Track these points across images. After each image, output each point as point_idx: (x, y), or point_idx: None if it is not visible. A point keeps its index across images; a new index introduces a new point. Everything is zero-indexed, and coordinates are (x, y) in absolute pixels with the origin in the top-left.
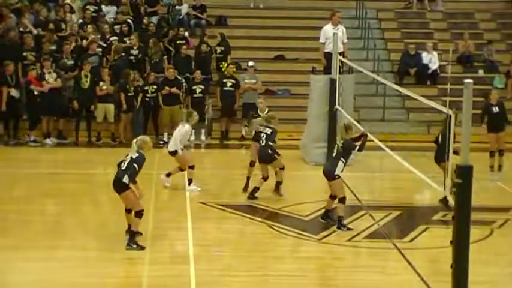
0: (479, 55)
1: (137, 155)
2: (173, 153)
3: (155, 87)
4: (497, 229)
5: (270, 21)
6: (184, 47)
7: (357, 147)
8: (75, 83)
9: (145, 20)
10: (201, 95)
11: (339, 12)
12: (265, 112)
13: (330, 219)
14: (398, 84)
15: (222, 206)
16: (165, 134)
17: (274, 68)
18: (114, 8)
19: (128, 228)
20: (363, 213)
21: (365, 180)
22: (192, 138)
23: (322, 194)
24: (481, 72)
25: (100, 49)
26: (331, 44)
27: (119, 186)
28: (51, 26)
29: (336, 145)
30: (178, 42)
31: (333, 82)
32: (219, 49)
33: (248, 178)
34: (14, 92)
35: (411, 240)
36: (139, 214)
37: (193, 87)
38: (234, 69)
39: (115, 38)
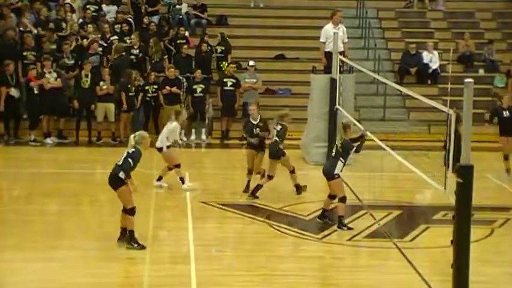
0: (479, 54)
1: (133, 150)
2: (159, 149)
3: (156, 86)
4: (498, 228)
5: (270, 21)
6: (185, 46)
7: (355, 148)
8: (76, 82)
9: (145, 20)
10: (201, 94)
11: (339, 12)
12: (258, 120)
13: (327, 219)
14: (398, 84)
15: (223, 205)
16: None
17: (274, 67)
18: (115, 8)
19: (120, 235)
20: (364, 212)
21: (365, 180)
22: (193, 137)
23: (323, 194)
24: (481, 72)
25: (100, 49)
26: (331, 43)
27: (115, 182)
28: (51, 25)
29: (335, 145)
30: (178, 41)
31: (333, 81)
32: (219, 48)
33: (249, 181)
34: (14, 92)
35: (412, 240)
36: (131, 211)
37: (194, 87)
38: (235, 69)
39: (115, 37)
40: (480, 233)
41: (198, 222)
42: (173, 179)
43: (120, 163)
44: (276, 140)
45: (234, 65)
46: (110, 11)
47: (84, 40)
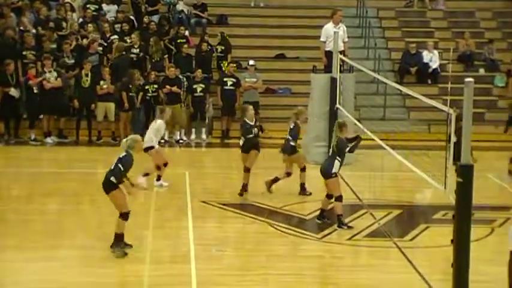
0: (480, 54)
1: (124, 154)
2: (147, 149)
3: (156, 86)
4: (498, 228)
5: (270, 20)
6: (185, 45)
7: (349, 148)
8: (76, 81)
9: (146, 19)
10: (201, 94)
11: (340, 11)
12: (254, 122)
13: (326, 219)
14: (399, 83)
15: (223, 205)
16: (166, 133)
17: (274, 66)
18: (115, 7)
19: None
20: (364, 212)
21: (366, 179)
22: (193, 137)
23: (323, 194)
24: (481, 71)
25: (100, 48)
26: (332, 42)
27: (107, 186)
28: (51, 24)
29: (332, 144)
30: (179, 41)
31: (333, 81)
32: (219, 48)
33: (245, 184)
34: (14, 92)
35: (412, 239)
36: (125, 216)
37: (194, 86)
38: (235, 68)
39: (116, 36)
40: (480, 232)
41: (198, 221)
42: (176, 180)
43: (112, 167)
44: (288, 138)
45: (234, 65)
46: (110, 10)
47: (84, 39)
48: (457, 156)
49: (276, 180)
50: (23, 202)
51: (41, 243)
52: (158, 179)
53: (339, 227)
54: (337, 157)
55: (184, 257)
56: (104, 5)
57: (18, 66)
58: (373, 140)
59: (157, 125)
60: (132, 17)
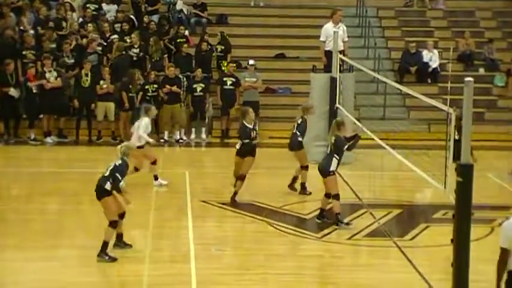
0: (479, 53)
1: (120, 162)
2: (139, 148)
3: (156, 86)
4: (498, 227)
5: (270, 20)
6: (185, 45)
7: (347, 146)
8: (76, 81)
9: (145, 19)
10: (201, 93)
11: (339, 11)
12: (253, 125)
13: (325, 219)
14: (398, 83)
15: (223, 204)
16: (166, 132)
17: (274, 66)
18: (115, 7)
19: (116, 238)
20: (364, 211)
21: (366, 179)
22: (193, 136)
23: (323, 193)
24: (481, 71)
25: (100, 48)
26: (331, 42)
27: (100, 193)
28: (51, 24)
29: (330, 142)
30: (178, 40)
31: (333, 80)
32: (219, 47)
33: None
34: (14, 92)
35: (412, 239)
36: (113, 224)
37: (194, 86)
38: (234, 68)
39: (116, 36)
40: (480, 231)
41: (198, 221)
42: (176, 179)
43: (106, 174)
44: (296, 133)
45: (234, 64)
46: (110, 10)
47: (84, 39)
48: (457, 156)
49: (295, 179)
50: (23, 202)
51: (41, 243)
52: (156, 178)
53: (337, 225)
54: (335, 155)
55: (184, 257)
56: (103, 5)
57: (18, 66)
58: (373, 139)
59: (144, 122)
60: (132, 17)
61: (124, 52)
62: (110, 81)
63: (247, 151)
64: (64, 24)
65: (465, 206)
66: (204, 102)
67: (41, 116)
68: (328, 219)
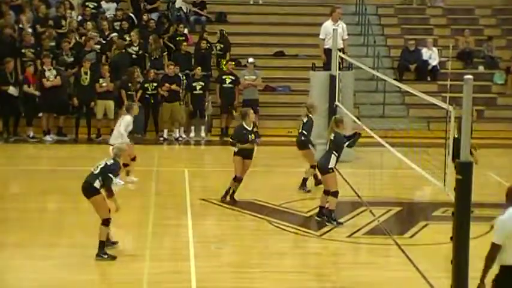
0: (479, 51)
1: (112, 161)
2: None
3: (155, 84)
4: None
5: (269, 18)
6: (184, 43)
7: (348, 143)
8: (75, 79)
9: (145, 17)
10: (201, 91)
11: (339, 9)
12: (252, 127)
13: (325, 217)
14: (398, 81)
15: (222, 202)
16: (165, 131)
17: (274, 64)
18: (114, 5)
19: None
20: (363, 209)
21: (365, 177)
22: (192, 134)
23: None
24: (481, 69)
25: (98, 46)
26: (331, 40)
27: (89, 191)
28: (50, 22)
29: (329, 139)
30: (178, 38)
31: (332, 78)
32: (218, 46)
33: (232, 191)
34: (13, 90)
35: (411, 237)
36: (106, 222)
37: (193, 84)
38: (233, 66)
39: (115, 34)
40: (480, 229)
41: (198, 219)
42: (176, 177)
43: (96, 172)
44: (301, 132)
45: (233, 62)
46: (109, 8)
47: (83, 37)
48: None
49: (305, 180)
50: (23, 200)
51: (41, 241)
52: (128, 174)
53: (328, 222)
54: (334, 152)
55: (184, 255)
56: (103, 3)
57: (18, 64)
58: (372, 137)
59: (126, 120)
60: (131, 15)
61: (123, 50)
62: (109, 80)
63: (244, 155)
64: (63, 22)
65: (465, 204)
66: (204, 100)
67: (41, 114)
68: (327, 217)
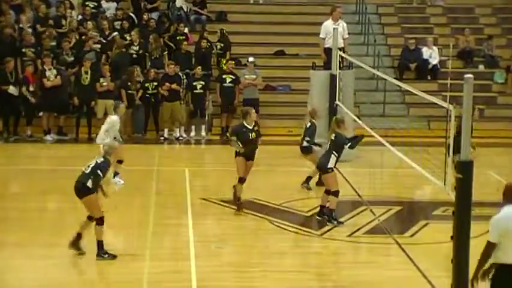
0: (479, 50)
1: (102, 159)
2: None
3: (155, 83)
4: None
5: (270, 17)
6: (185, 42)
7: (350, 144)
8: (76, 79)
9: (145, 16)
10: (201, 91)
11: (339, 8)
12: (253, 126)
13: (325, 216)
14: (398, 80)
15: (223, 202)
16: (166, 130)
17: (274, 63)
18: (114, 4)
19: (73, 240)
20: (364, 208)
21: (365, 176)
22: (193, 134)
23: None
24: (481, 68)
25: (99, 45)
26: (331, 39)
27: (81, 191)
28: (50, 22)
29: (330, 140)
30: (178, 38)
31: (333, 77)
32: (219, 45)
33: (238, 197)
34: (13, 90)
35: (412, 236)
36: (100, 221)
37: (194, 83)
38: (233, 65)
39: (116, 33)
40: (480, 228)
41: (198, 218)
42: (176, 176)
43: (87, 171)
44: (305, 139)
45: (233, 62)
46: (110, 7)
47: (83, 37)
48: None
49: (309, 178)
50: (23, 199)
51: (41, 241)
52: (115, 175)
53: (328, 221)
54: (334, 152)
55: (184, 254)
56: (103, 2)
57: (18, 64)
58: (372, 136)
59: (111, 120)
60: (131, 14)
61: (124, 50)
62: (110, 79)
63: (245, 154)
64: (64, 22)
65: (465, 203)
66: (204, 99)
67: (41, 113)
68: (328, 216)
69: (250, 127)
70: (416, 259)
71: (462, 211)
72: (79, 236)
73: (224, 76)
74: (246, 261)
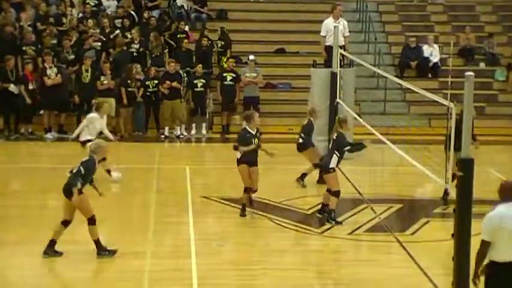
0: (480, 48)
1: (88, 158)
2: (84, 142)
3: (156, 81)
4: None
5: (270, 15)
6: (185, 40)
7: (349, 148)
8: (76, 77)
9: (146, 14)
10: (202, 89)
11: (340, 6)
12: (255, 131)
13: (326, 214)
14: (399, 78)
15: (224, 200)
16: (166, 128)
17: (275, 61)
18: (115, 2)
19: (48, 244)
20: (364, 206)
21: (366, 174)
22: (193, 132)
23: (324, 188)
24: (482, 65)
25: (99, 43)
26: (332, 37)
27: (70, 192)
28: (51, 20)
29: (332, 139)
30: (178, 36)
31: (333, 75)
32: (219, 43)
33: (250, 199)
34: (13, 88)
35: (413, 234)
36: (92, 221)
37: (195, 81)
38: (234, 63)
39: (118, 31)
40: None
41: (199, 216)
42: (176, 175)
43: (74, 172)
44: (301, 135)
45: (234, 60)
46: (110, 5)
47: (84, 35)
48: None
49: (304, 175)
50: (23, 197)
51: (41, 238)
52: (109, 172)
53: (327, 221)
54: (335, 152)
55: (185, 252)
56: (103, 0)
57: (18, 62)
58: (373, 134)
59: (89, 118)
60: (132, 12)
61: (125, 48)
62: (110, 77)
63: (248, 161)
64: (64, 20)
65: (466, 201)
66: (205, 97)
67: (41, 112)
68: (328, 215)
69: (253, 132)
70: (417, 257)
71: (463, 209)
72: (53, 242)
73: (225, 74)
74: (247, 259)
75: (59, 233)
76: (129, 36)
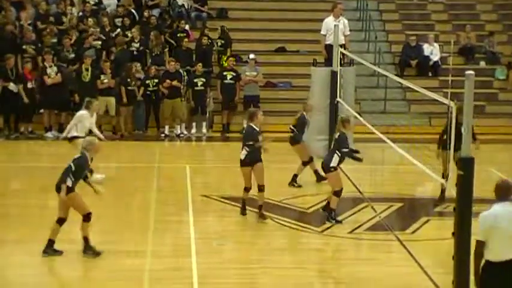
0: (480, 47)
1: (79, 155)
2: (72, 138)
3: (156, 80)
4: None
5: (270, 14)
6: (185, 39)
7: (346, 151)
8: (77, 76)
9: (146, 13)
10: (202, 87)
11: (340, 4)
12: (259, 128)
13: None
14: (399, 76)
15: (224, 198)
16: (166, 127)
17: (275, 60)
18: (115, 1)
19: (47, 245)
20: (365, 205)
21: (366, 173)
22: (193, 131)
23: (324, 187)
24: (482, 64)
25: (99, 42)
26: (332, 36)
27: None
28: (51, 19)
29: (334, 138)
30: (179, 35)
31: (334, 74)
32: (219, 42)
33: (244, 203)
34: (13, 86)
35: (413, 232)
36: (87, 218)
37: (195, 80)
38: (234, 62)
39: (119, 30)
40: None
41: (199, 215)
42: (176, 174)
43: (66, 170)
44: (291, 129)
45: (234, 58)
46: (110, 4)
47: (84, 34)
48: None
49: (295, 176)
50: (23, 196)
51: (41, 237)
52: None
53: (327, 220)
54: (337, 152)
55: (185, 251)
56: None
57: (18, 61)
58: (373, 133)
59: (78, 115)
60: (132, 11)
61: (125, 46)
62: (110, 76)
63: (253, 158)
64: (64, 19)
65: (466, 200)
66: (205, 96)
67: (42, 110)
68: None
69: (258, 129)
70: (417, 256)
71: (463, 207)
72: (51, 241)
73: (225, 73)
74: (247, 258)
75: (55, 231)
76: (129, 35)
